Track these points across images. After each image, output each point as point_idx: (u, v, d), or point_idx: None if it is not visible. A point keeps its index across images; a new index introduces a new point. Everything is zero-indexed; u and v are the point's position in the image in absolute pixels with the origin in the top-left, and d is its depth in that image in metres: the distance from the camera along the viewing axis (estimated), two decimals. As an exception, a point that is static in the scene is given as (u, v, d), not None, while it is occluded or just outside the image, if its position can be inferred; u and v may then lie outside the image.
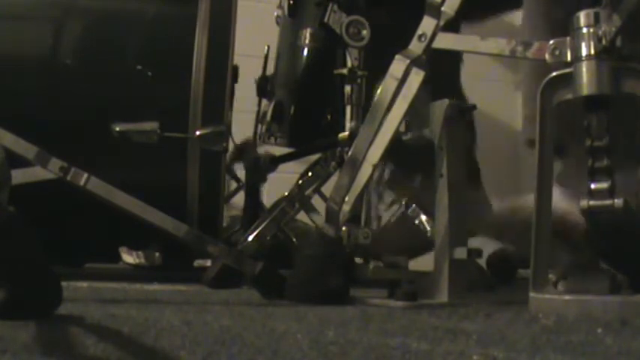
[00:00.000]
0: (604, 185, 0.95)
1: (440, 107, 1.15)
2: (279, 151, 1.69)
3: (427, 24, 1.10)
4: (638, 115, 1.13)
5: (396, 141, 1.13)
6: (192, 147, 1.46)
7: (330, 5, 1.34)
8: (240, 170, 1.76)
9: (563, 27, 1.00)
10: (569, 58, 0.98)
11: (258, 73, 1.69)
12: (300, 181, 1.53)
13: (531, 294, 0.97)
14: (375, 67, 1.22)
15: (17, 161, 1.11)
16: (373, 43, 1.31)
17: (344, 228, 1.16)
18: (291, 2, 1.61)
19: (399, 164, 1.63)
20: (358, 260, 1.23)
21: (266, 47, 1.69)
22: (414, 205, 1.40)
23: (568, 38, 0.98)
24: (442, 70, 1.24)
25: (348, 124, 1.32)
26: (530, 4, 1.30)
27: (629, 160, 1.14)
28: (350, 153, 1.15)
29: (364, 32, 1.31)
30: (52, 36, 1.53)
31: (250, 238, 1.45)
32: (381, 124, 1.12)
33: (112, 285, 1.35)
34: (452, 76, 1.79)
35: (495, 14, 1.90)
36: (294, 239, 1.56)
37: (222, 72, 1.52)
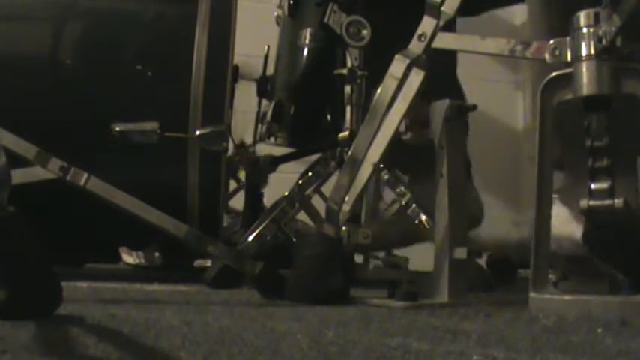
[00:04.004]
0: (604, 185, 0.95)
1: (440, 107, 1.15)
2: (279, 151, 1.69)
3: (427, 24, 1.10)
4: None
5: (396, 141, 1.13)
6: (192, 147, 1.46)
7: (330, 5, 1.34)
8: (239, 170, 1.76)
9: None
10: (569, 58, 0.97)
11: (258, 73, 1.69)
12: (300, 181, 1.53)
13: (531, 294, 0.97)
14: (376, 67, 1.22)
15: (17, 161, 1.11)
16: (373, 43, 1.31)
17: (344, 228, 1.16)
18: (291, 2, 1.61)
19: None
20: (358, 260, 1.23)
21: (266, 47, 1.69)
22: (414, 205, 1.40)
23: (568, 38, 0.98)
24: (440, 71, 1.23)
25: (348, 124, 1.32)
26: (534, 6, 1.29)
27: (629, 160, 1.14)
28: (350, 153, 1.15)
29: (364, 32, 1.31)
30: (52, 36, 1.53)
31: (250, 238, 1.46)
32: (381, 124, 1.12)
33: (112, 285, 1.35)
34: (449, 77, 1.79)
35: (493, 8, 1.89)
36: (294, 239, 1.55)
37: (222, 72, 1.52)
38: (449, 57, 1.75)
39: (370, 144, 1.12)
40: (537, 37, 1.07)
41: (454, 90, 1.74)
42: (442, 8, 1.10)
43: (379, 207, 1.53)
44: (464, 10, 1.12)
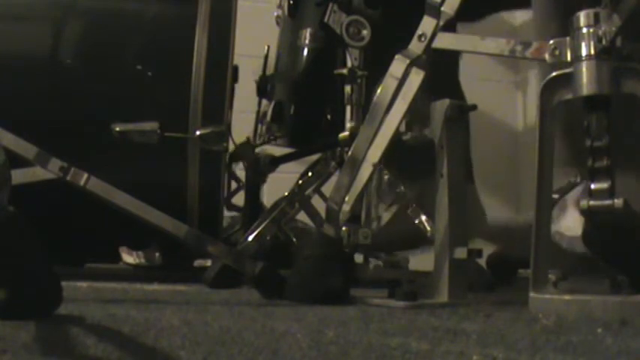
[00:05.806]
0: (604, 185, 0.95)
1: (440, 107, 1.15)
2: (279, 151, 1.69)
3: (427, 24, 1.10)
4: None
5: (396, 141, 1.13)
6: (192, 147, 1.46)
7: (330, 5, 1.34)
8: (240, 170, 1.76)
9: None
10: (569, 58, 0.97)
11: (258, 73, 1.69)
12: (300, 181, 1.53)
13: (531, 294, 0.97)
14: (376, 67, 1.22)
15: (17, 161, 1.11)
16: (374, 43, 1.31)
17: (344, 228, 1.16)
18: (291, 2, 1.61)
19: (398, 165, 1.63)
20: (358, 260, 1.23)
21: (266, 47, 1.69)
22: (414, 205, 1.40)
23: (568, 38, 0.98)
24: (441, 71, 1.23)
25: (348, 124, 1.32)
26: (540, 6, 1.29)
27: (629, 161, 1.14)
28: (350, 153, 1.15)
29: (364, 32, 1.31)
30: (52, 36, 1.53)
31: (250, 238, 1.45)
32: (381, 124, 1.12)
33: (112, 285, 1.35)
34: (451, 77, 1.79)
35: (495, 12, 1.89)
36: (294, 239, 1.56)
37: (222, 72, 1.52)
38: (451, 58, 1.75)
39: (370, 144, 1.12)
40: (542, 38, 1.07)
41: (454, 90, 1.74)
42: (442, 8, 1.10)
43: (379, 207, 1.53)
44: (465, 15, 1.11)
